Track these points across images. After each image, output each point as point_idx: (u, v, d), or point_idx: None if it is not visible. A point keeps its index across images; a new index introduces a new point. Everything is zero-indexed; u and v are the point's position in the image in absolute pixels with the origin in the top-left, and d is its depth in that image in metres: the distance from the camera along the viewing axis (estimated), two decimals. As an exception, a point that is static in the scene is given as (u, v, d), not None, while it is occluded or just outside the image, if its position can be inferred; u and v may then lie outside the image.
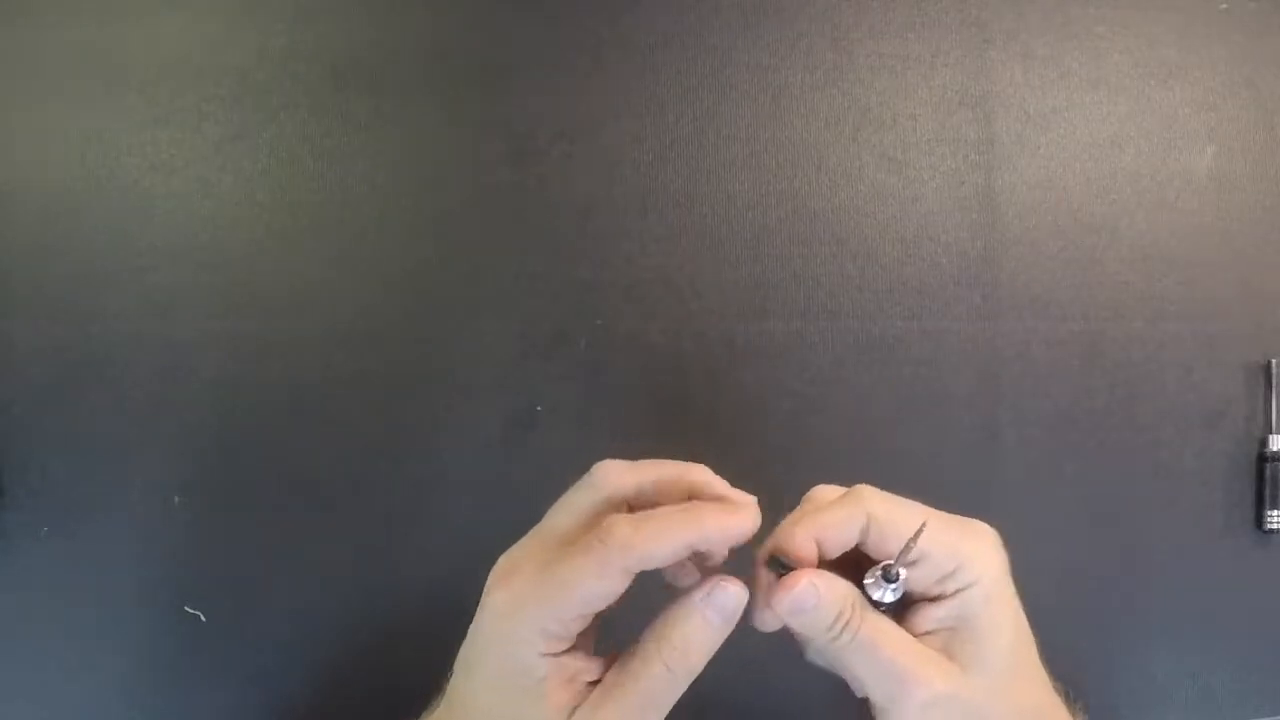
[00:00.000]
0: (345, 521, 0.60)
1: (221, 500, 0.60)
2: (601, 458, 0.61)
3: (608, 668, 0.34)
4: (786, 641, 0.39)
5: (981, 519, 0.63)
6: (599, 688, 0.34)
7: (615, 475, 0.36)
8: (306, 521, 0.60)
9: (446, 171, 0.61)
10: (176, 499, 0.60)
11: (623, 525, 0.33)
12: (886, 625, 0.34)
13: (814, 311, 0.62)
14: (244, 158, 0.61)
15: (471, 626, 0.35)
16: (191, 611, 0.60)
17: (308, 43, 0.61)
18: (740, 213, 0.62)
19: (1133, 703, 0.63)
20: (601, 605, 0.33)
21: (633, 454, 0.61)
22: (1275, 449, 0.62)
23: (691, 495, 0.36)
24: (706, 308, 0.61)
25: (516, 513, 0.61)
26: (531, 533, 0.37)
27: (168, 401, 0.60)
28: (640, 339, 0.61)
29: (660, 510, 0.34)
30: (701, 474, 0.36)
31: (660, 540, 0.32)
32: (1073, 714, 0.38)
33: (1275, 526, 0.62)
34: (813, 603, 0.33)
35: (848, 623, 0.34)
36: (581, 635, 0.34)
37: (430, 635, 0.61)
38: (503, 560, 0.36)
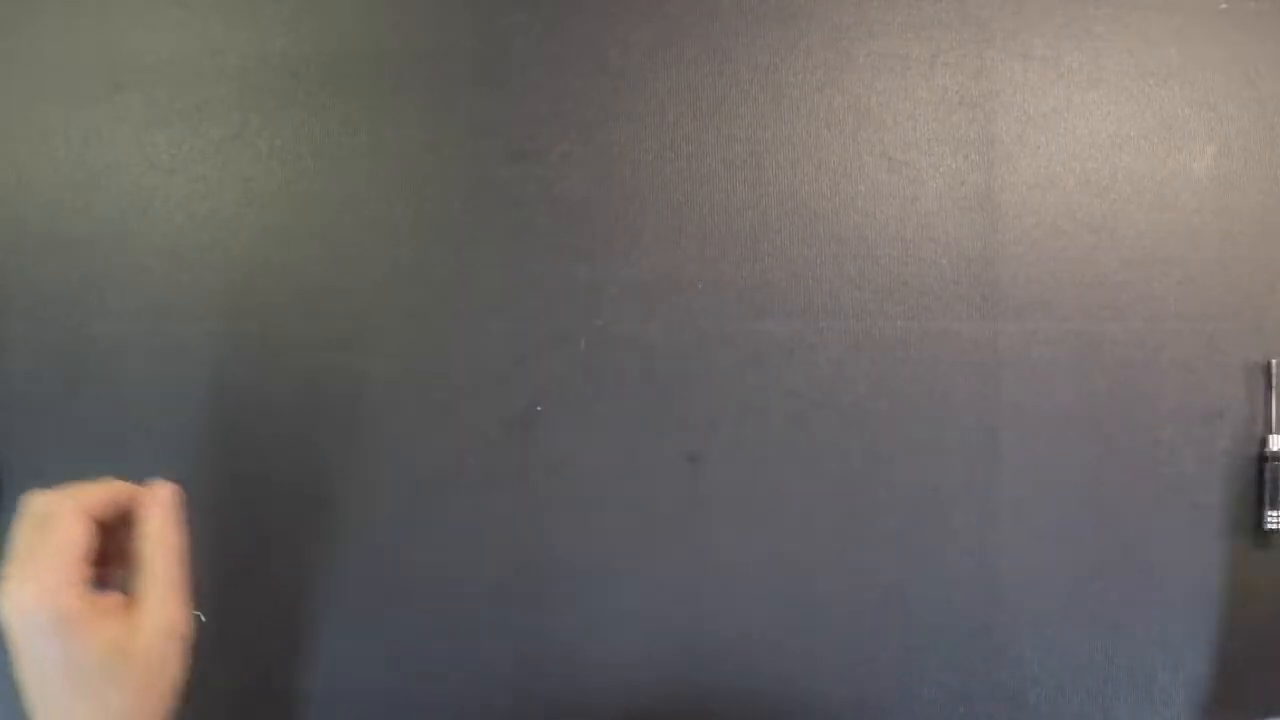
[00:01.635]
0: (345, 521, 0.60)
1: (221, 500, 0.60)
2: (601, 457, 0.61)
3: None
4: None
5: (982, 519, 0.63)
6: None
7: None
8: (306, 521, 0.60)
9: (446, 171, 0.61)
10: (176, 499, 0.60)
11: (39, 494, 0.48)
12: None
13: (814, 311, 0.62)
14: (244, 158, 0.61)
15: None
16: (191, 612, 0.60)
17: (308, 43, 0.61)
18: (740, 213, 0.62)
19: (1133, 702, 0.63)
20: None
21: (632, 451, 0.61)
22: (1275, 449, 0.62)
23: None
24: (706, 308, 0.61)
25: (517, 512, 0.61)
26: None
27: (168, 401, 0.60)
28: (640, 339, 0.61)
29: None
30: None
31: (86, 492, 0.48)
32: None
33: (1275, 526, 0.62)
34: None
35: None
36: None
37: (430, 634, 0.61)
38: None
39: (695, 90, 0.62)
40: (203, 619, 0.60)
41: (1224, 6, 0.64)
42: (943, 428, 0.62)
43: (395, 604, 0.60)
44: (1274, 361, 0.63)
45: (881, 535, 0.62)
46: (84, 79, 0.61)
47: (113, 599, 0.46)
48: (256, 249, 0.61)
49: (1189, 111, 0.64)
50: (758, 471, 0.62)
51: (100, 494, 0.48)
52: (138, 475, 0.60)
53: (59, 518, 0.45)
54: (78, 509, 0.46)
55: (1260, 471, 0.63)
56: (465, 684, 0.61)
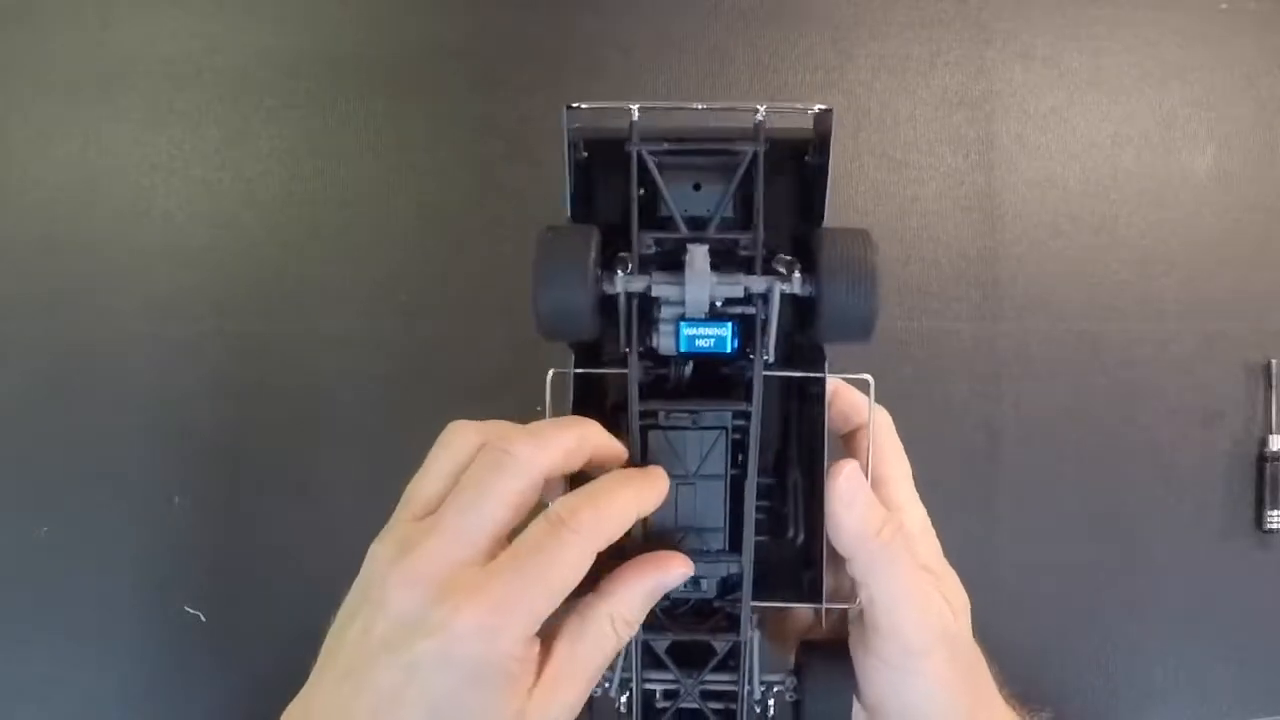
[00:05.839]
0: (345, 522, 0.60)
1: (221, 500, 0.60)
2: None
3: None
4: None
5: (982, 519, 0.63)
6: (552, 659, 0.32)
7: (531, 453, 0.33)
8: (306, 521, 0.60)
9: (446, 171, 0.61)
10: (176, 499, 0.60)
11: (585, 510, 0.31)
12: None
13: (814, 311, 0.62)
14: (244, 158, 0.61)
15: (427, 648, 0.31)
16: (191, 611, 0.60)
17: (308, 43, 0.61)
18: (740, 213, 0.62)
19: (1133, 703, 0.63)
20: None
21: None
22: (1275, 449, 0.62)
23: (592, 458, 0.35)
24: (706, 308, 0.61)
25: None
26: (437, 535, 0.34)
27: (168, 401, 0.60)
28: (640, 339, 0.61)
29: (605, 485, 0.33)
30: (596, 434, 0.35)
31: (617, 518, 0.32)
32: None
33: (1275, 526, 0.62)
34: (865, 491, 0.35)
35: (899, 528, 0.35)
36: None
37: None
38: (423, 566, 0.33)
39: (695, 90, 0.62)
40: (202, 619, 0.60)
41: (1224, 6, 0.64)
42: (943, 427, 0.62)
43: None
44: (1274, 361, 0.63)
45: (881, 535, 0.62)
46: (84, 79, 0.61)
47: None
48: (256, 249, 0.61)
49: (1189, 111, 0.64)
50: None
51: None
52: (137, 475, 0.60)
53: (567, 550, 0.31)
54: (588, 538, 0.31)
55: (1260, 471, 0.63)
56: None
